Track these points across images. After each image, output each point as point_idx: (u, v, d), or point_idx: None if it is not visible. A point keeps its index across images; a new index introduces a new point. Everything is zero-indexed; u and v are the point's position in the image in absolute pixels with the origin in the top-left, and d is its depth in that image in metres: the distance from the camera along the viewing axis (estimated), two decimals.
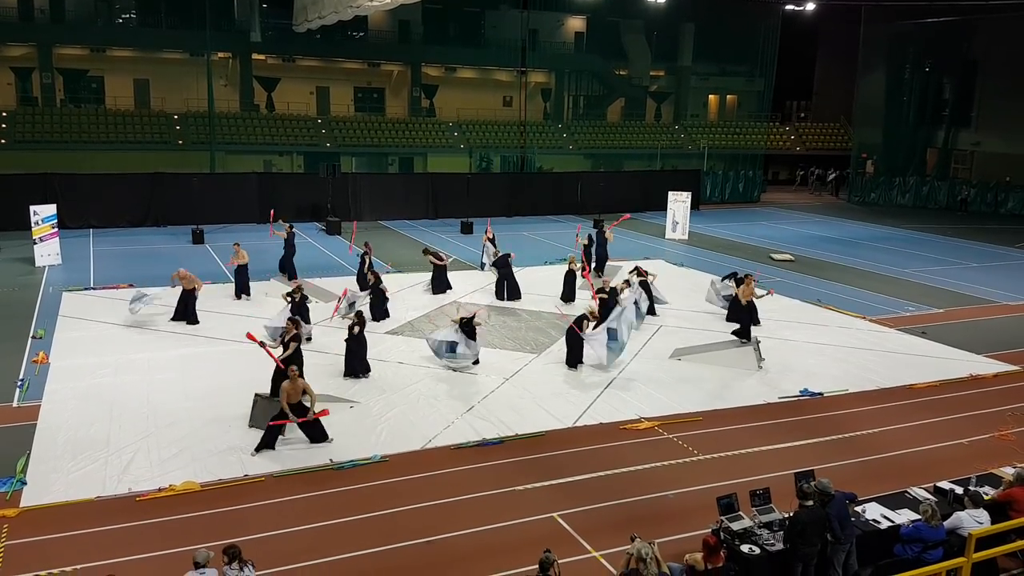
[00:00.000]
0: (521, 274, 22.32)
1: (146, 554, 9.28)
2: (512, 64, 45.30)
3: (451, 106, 47.68)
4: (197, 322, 18.41)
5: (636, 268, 20.75)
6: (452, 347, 15.79)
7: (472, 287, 22.45)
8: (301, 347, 13.98)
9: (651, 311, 19.62)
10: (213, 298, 20.27)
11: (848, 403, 14.64)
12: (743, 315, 17.69)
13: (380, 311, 19.05)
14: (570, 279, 21.26)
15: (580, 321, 15.92)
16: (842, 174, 51.72)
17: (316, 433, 12.23)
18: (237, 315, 18.89)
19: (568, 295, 21.14)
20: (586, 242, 23.69)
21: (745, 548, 8.62)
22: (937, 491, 10.04)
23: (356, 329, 15.04)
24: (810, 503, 8.53)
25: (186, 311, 18.53)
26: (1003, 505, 9.28)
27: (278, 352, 13.54)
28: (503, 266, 21.49)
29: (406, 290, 21.90)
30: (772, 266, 26.88)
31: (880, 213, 42.14)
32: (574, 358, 16.02)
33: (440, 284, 21.91)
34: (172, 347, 16.75)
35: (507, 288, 21.39)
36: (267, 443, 11.99)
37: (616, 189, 39.53)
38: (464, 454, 12.16)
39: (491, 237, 24.90)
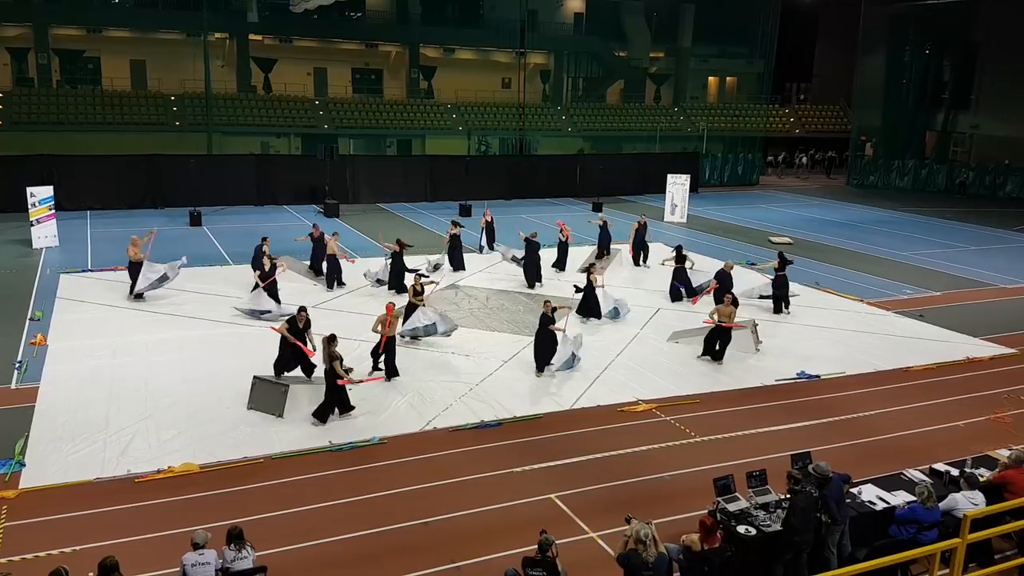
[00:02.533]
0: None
1: (145, 535, 9.31)
2: (511, 45, 45.01)
3: (450, 88, 47.39)
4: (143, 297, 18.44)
5: (679, 247, 20.54)
6: (430, 329, 15.92)
7: (471, 269, 22.37)
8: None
9: (690, 293, 19.59)
10: (211, 281, 20.27)
11: (845, 385, 14.69)
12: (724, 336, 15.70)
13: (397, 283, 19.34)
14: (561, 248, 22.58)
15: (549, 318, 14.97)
16: (833, 156, 51.64)
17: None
18: (235, 297, 18.85)
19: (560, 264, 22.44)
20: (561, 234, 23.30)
21: (741, 529, 8.68)
22: (933, 473, 10.09)
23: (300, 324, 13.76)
24: (799, 488, 8.56)
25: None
26: (998, 487, 9.31)
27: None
28: (533, 252, 20.87)
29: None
30: (771, 249, 26.84)
31: (879, 196, 42.09)
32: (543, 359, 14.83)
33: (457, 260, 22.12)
34: (170, 329, 16.74)
35: (533, 273, 20.88)
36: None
37: (615, 172, 39.42)
38: (462, 436, 12.20)
39: (489, 220, 24.85)
